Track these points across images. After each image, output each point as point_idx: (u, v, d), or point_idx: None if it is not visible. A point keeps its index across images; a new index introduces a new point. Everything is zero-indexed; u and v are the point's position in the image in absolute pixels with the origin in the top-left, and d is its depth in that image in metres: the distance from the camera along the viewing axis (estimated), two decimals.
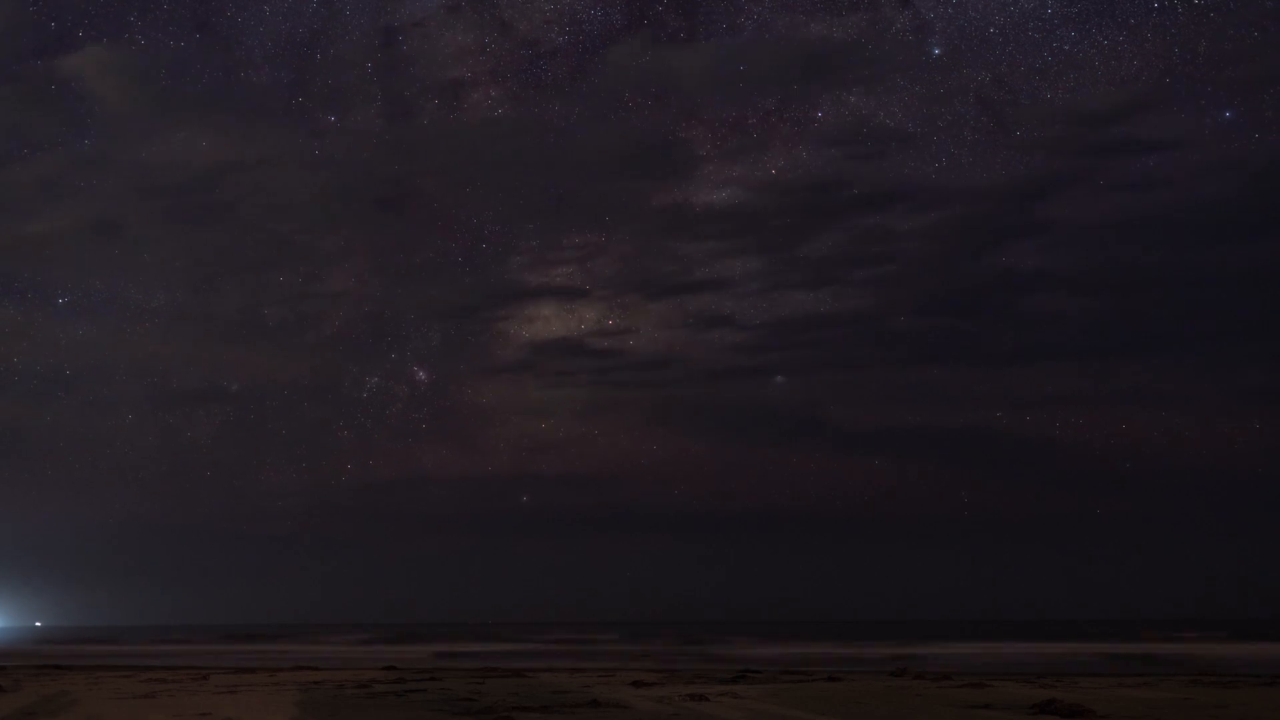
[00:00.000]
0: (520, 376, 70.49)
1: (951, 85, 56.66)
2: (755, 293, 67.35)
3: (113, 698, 11.82)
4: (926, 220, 64.38)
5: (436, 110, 62.29)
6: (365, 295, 69.96)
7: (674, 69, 59.04)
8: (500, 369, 71.13)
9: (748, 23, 57.92)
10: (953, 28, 55.34)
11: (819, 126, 61.73)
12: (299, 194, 67.03)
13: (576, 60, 58.78)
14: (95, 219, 65.44)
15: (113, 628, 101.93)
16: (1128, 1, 52.81)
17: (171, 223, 68.35)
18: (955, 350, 69.64)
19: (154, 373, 69.13)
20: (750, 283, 67.37)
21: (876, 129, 59.30)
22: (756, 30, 58.07)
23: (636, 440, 77.41)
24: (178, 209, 67.77)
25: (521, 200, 68.40)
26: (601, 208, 73.55)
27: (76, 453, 73.69)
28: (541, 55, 58.91)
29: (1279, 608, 78.31)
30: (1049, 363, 69.32)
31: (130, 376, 68.41)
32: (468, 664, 22.48)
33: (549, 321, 67.87)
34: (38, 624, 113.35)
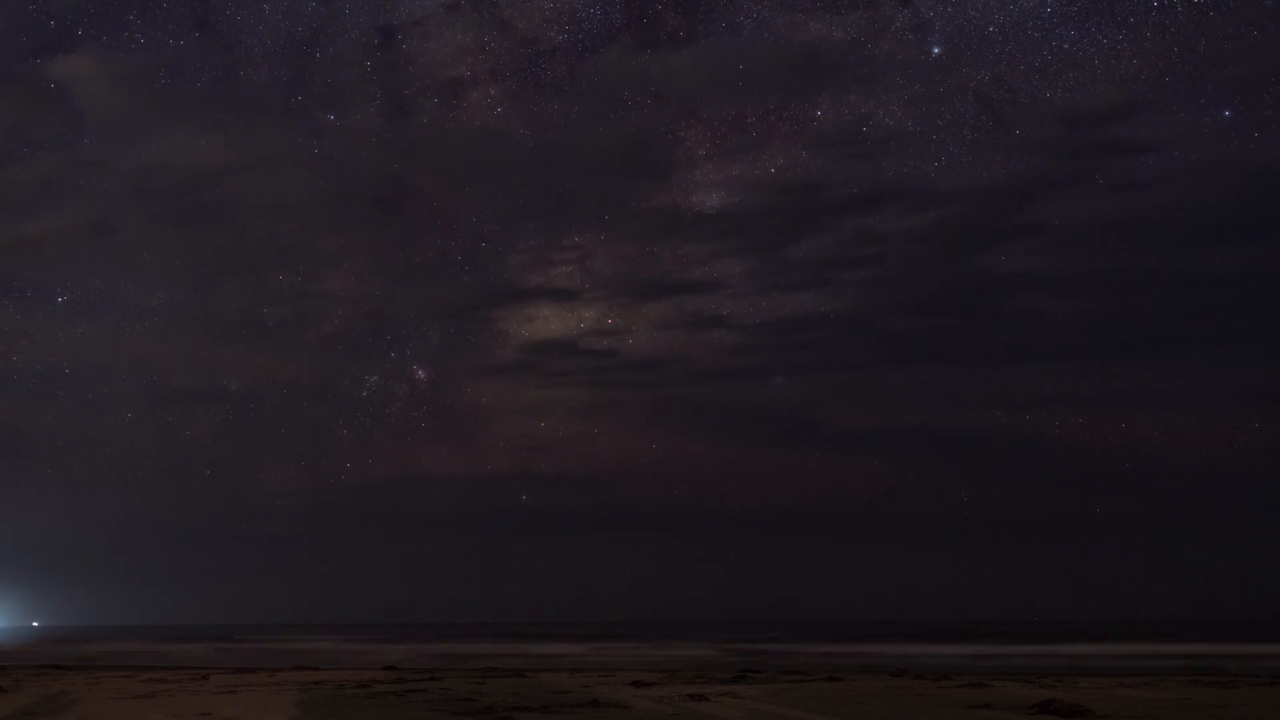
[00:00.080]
0: (520, 376, 70.65)
1: (951, 84, 56.78)
2: (755, 292, 67.51)
3: (113, 698, 11.82)
4: (926, 219, 64.51)
5: (436, 109, 62.37)
6: (364, 294, 70.10)
7: (673, 68, 59.13)
8: (500, 368, 71.27)
9: (747, 21, 58.00)
10: (952, 26, 55.45)
11: (818, 126, 61.85)
12: (298, 193, 67.15)
13: (576, 59, 58.87)
14: (94, 219, 65.58)
15: (111, 627, 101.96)
16: (1127, 0, 52.93)
17: (170, 222, 68.50)
18: (955, 350, 69.79)
19: (153, 371, 69.30)
20: (749, 282, 67.53)
21: (876, 128, 59.40)
22: (756, 29, 58.14)
23: (636, 440, 77.52)
24: (176, 208, 67.90)
25: (521, 199, 68.54)
26: (601, 207, 73.68)
27: (76, 452, 73.80)
28: (541, 54, 59.00)
29: (1279, 608, 78.33)
30: (1048, 363, 69.48)
31: (130, 375, 68.59)
32: (468, 664, 22.47)
33: (548, 321, 67.99)
34: (35, 624, 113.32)
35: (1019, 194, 62.35)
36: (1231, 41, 52.67)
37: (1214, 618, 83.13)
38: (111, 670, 19.22)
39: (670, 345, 70.42)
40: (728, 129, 62.89)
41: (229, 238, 69.80)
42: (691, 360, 71.30)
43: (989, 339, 69.59)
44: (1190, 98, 55.79)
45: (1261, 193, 59.14)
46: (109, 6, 59.71)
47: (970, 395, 73.03)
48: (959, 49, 56.94)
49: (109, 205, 68.60)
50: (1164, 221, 63.45)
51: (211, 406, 70.48)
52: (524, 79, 61.15)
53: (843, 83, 59.77)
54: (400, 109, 63.78)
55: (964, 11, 54.68)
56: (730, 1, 57.16)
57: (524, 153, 63.92)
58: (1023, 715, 9.72)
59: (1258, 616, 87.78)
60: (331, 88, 61.49)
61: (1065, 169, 61.31)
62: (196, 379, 72.27)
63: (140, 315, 65.99)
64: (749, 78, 61.33)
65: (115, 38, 57.10)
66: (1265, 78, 52.95)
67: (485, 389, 74.98)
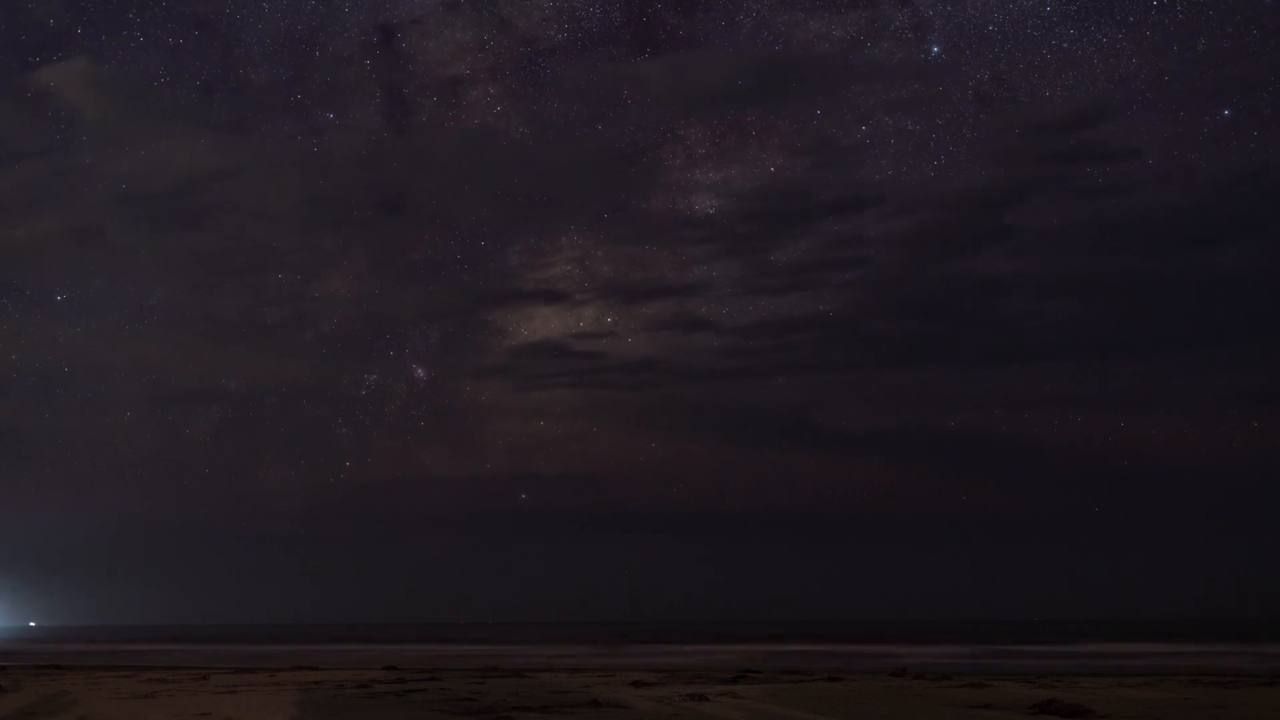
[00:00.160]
0: (519, 375, 70.60)
1: (950, 83, 56.80)
2: (755, 290, 67.54)
3: (113, 698, 11.81)
4: (926, 219, 64.52)
5: (435, 108, 62.39)
6: (363, 294, 70.10)
7: (672, 67, 59.11)
8: (499, 368, 71.26)
9: (746, 20, 58.07)
10: (951, 25, 55.54)
11: (817, 125, 61.85)
12: (297, 193, 67.16)
13: (575, 57, 58.89)
14: (93, 219, 65.63)
15: (109, 627, 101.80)
16: None
17: (168, 221, 68.48)
18: (954, 351, 69.78)
19: (153, 371, 69.30)
20: (747, 282, 67.54)
21: (876, 127, 59.39)
22: (755, 28, 58.19)
23: (635, 440, 77.56)
24: (175, 208, 67.95)
25: (520, 199, 68.53)
26: (600, 207, 73.61)
27: (75, 452, 73.78)
28: (540, 53, 59.02)
29: (1279, 608, 78.35)
30: (1048, 363, 69.49)
31: (129, 375, 68.57)
32: (468, 664, 22.47)
33: (547, 320, 68.02)
34: (31, 624, 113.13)
35: (1019, 194, 62.44)
36: (1231, 41, 52.80)
37: (1214, 618, 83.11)
38: (111, 670, 19.22)
39: (669, 346, 70.56)
40: (727, 128, 62.96)
41: (227, 237, 69.94)
42: (690, 361, 71.40)
43: (988, 340, 69.64)
44: (1189, 97, 55.89)
45: (1260, 192, 59.21)
46: (108, 6, 59.78)
47: (969, 396, 73.12)
48: (958, 48, 57.04)
49: (108, 206, 68.66)
50: (1162, 221, 63.52)
51: (211, 407, 70.56)
52: (524, 78, 61.22)
53: (842, 82, 59.85)
54: (400, 108, 63.85)
55: (963, 11, 54.80)
56: (730, 1, 57.21)
57: (523, 152, 63.99)
58: (1023, 715, 9.72)
59: (1258, 616, 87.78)
60: (331, 86, 61.58)
61: (1065, 169, 61.41)
62: (196, 379, 72.35)
63: (139, 315, 66.09)
64: (748, 78, 61.39)
65: (114, 36, 57.24)
66: (1265, 77, 53.04)
67: (484, 389, 75.08)
